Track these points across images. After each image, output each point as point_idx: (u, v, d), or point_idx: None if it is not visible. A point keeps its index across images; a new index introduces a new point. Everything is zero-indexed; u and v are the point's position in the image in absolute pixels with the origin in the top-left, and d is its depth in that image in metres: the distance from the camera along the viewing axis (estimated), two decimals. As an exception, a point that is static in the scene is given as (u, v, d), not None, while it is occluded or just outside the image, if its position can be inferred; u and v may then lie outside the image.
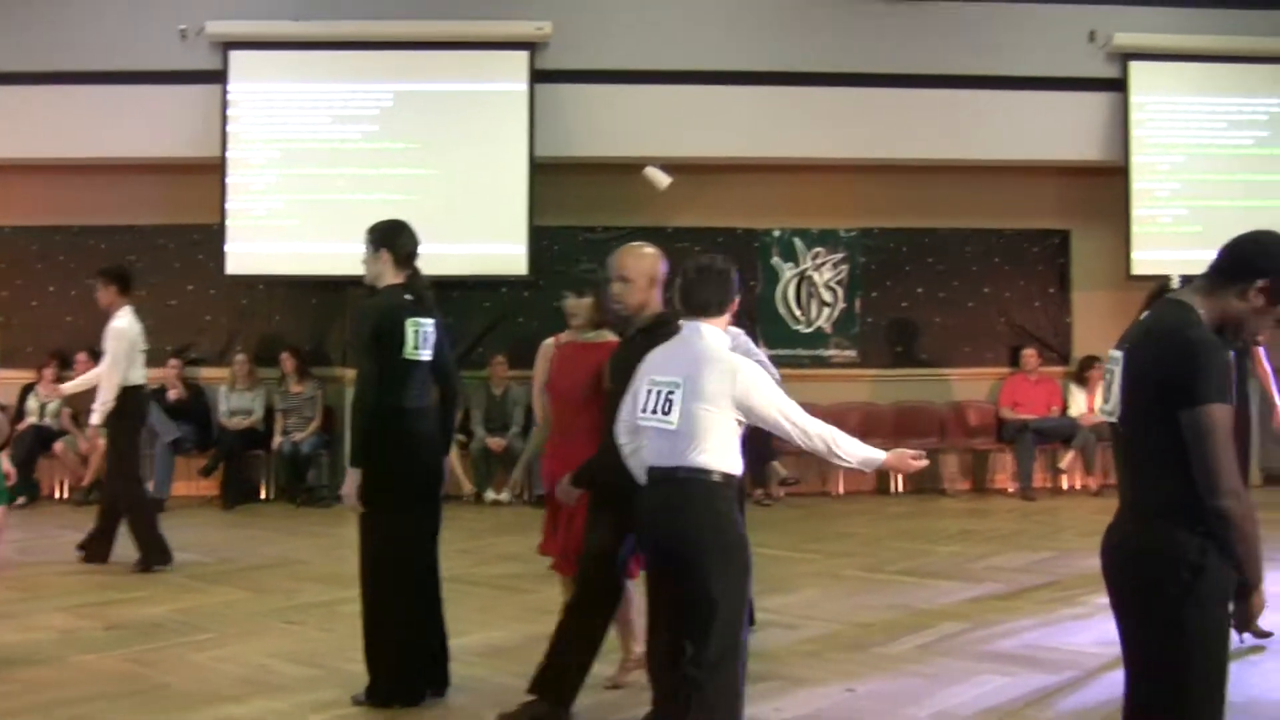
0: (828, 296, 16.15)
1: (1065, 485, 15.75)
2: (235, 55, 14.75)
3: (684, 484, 5.14)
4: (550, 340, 7.47)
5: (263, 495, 15.17)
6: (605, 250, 15.30)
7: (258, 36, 14.81)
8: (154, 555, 10.65)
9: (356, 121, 14.93)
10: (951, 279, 16.30)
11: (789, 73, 15.09)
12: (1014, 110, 15.26)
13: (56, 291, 15.43)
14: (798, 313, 16.11)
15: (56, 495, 14.95)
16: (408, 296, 6.75)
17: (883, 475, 15.74)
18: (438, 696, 6.72)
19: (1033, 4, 15.53)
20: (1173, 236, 15.49)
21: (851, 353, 16.20)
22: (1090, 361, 15.62)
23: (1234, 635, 4.12)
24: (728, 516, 5.15)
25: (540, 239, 15.09)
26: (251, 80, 14.84)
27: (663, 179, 14.81)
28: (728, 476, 5.19)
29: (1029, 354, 15.95)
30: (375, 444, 6.54)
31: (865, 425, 14.68)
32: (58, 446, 14.64)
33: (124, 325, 10.81)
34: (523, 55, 14.85)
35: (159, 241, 15.49)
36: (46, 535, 12.27)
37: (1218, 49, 15.55)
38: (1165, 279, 4.36)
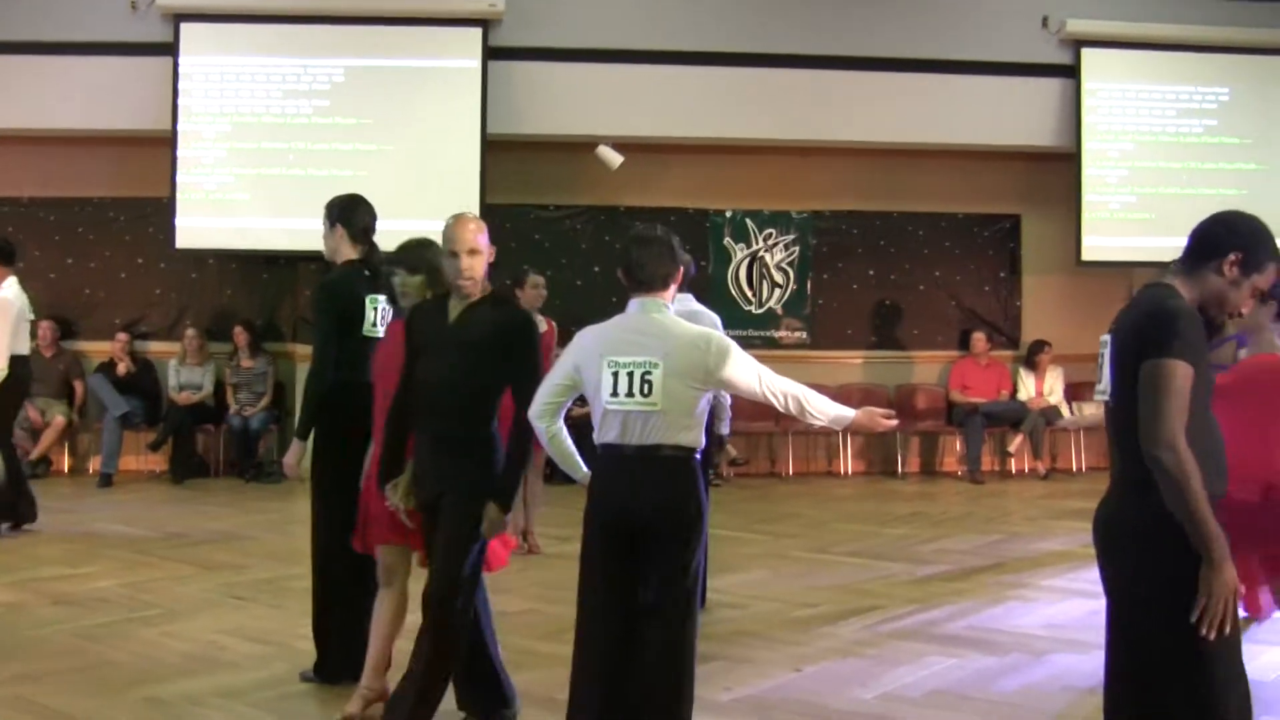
0: (779, 278, 16.19)
1: (1013, 469, 15.85)
2: (186, 27, 14.62)
3: (667, 461, 5.16)
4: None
5: (212, 471, 15.09)
6: (558, 229, 15.48)
7: (209, 9, 14.68)
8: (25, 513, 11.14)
9: (308, 96, 14.84)
10: (902, 262, 16.36)
11: (743, 54, 15.08)
12: (966, 95, 15.31)
13: (5, 264, 15.26)
14: (749, 293, 16.14)
15: None
16: (366, 272, 6.74)
17: (831, 457, 15.85)
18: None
19: (987, -12, 15.60)
20: (1122, 223, 15.61)
21: (802, 334, 16.24)
22: (1040, 346, 15.72)
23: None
24: (700, 491, 5.23)
25: (492, 217, 14.95)
26: (202, 53, 14.71)
27: (615, 158, 14.81)
28: (700, 452, 5.27)
29: (979, 338, 16.02)
30: (329, 419, 6.53)
31: (815, 407, 14.69)
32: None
33: (10, 296, 10.76)
34: (476, 32, 14.78)
35: (109, 214, 15.39)
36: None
37: (1170, 37, 15.65)
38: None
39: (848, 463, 15.83)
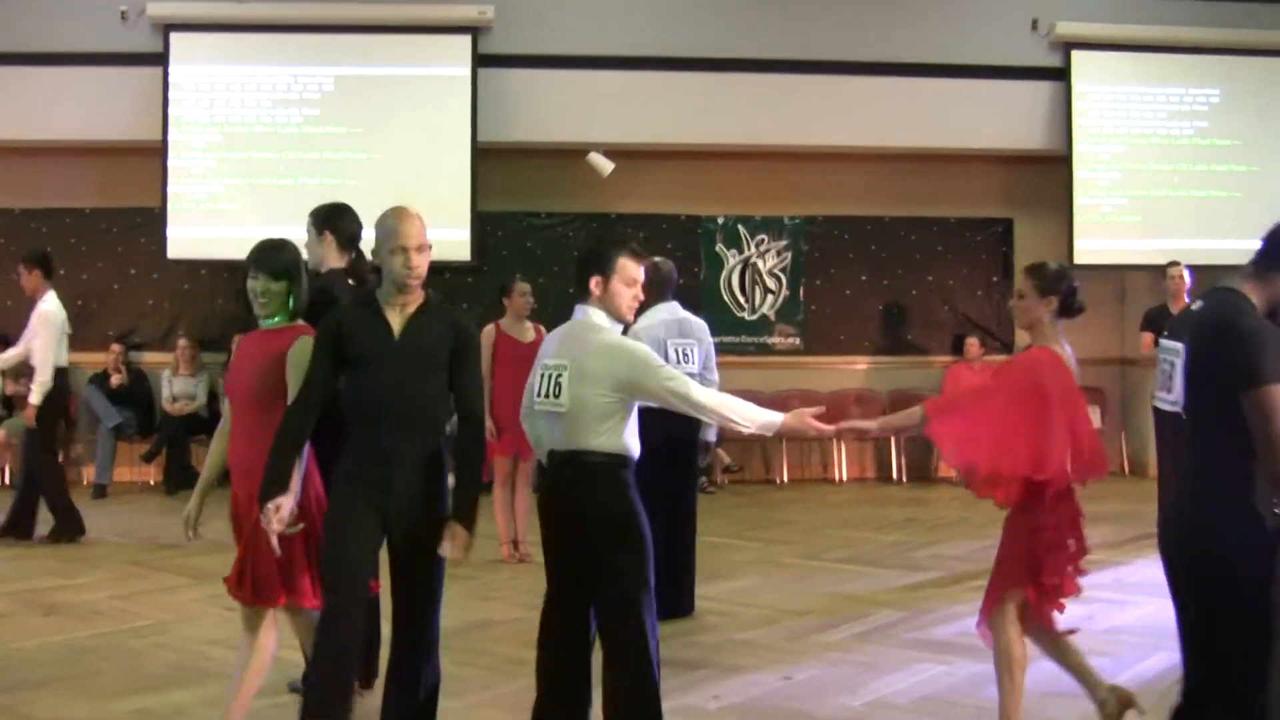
0: (771, 284, 16.18)
1: (1007, 473, 15.76)
2: (176, 37, 14.61)
3: (580, 466, 5.30)
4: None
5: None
6: (549, 236, 15.45)
7: (199, 18, 14.68)
8: (70, 526, 11.37)
9: (298, 105, 14.83)
10: (895, 267, 16.36)
11: (733, 59, 15.07)
12: (957, 98, 15.30)
13: (-3, 274, 15.28)
14: (741, 300, 16.13)
15: (-5, 481, 14.84)
16: (350, 281, 6.72)
17: (826, 463, 15.83)
18: (366, 688, 6.39)
19: (977, -8, 15.61)
20: (1114, 225, 15.58)
21: (795, 340, 16.23)
22: (1033, 350, 15.68)
23: None
24: (621, 493, 5.30)
25: (484, 224, 15.05)
26: (192, 63, 14.70)
27: (606, 165, 14.80)
28: (620, 458, 5.33)
29: (972, 343, 15.99)
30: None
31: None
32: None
33: (52, 309, 11.08)
34: (465, 39, 14.78)
35: (100, 225, 15.37)
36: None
37: (1160, 39, 15.64)
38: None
39: (843, 469, 15.82)
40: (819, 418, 5.51)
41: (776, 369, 15.83)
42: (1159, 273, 12.23)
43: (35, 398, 10.96)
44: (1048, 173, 15.84)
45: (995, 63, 15.40)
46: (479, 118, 14.70)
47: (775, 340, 16.19)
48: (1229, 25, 15.62)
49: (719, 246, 16.11)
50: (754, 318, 16.15)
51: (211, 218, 14.67)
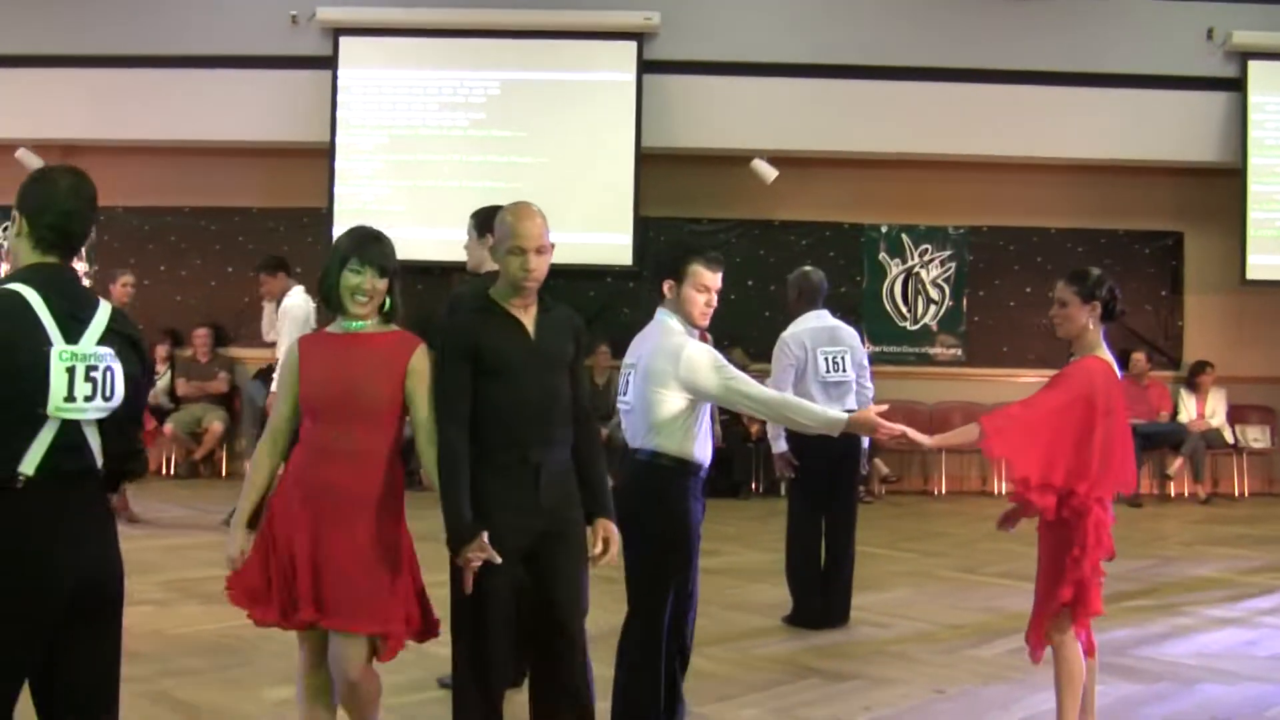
0: (934, 294, 16.01)
1: (1172, 492, 15.48)
2: (345, 41, 14.88)
3: (633, 462, 5.53)
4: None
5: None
6: (711, 243, 15.43)
7: (367, 23, 14.93)
8: None
9: (464, 109, 15.00)
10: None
11: (898, 67, 14.96)
12: (1128, 109, 15.03)
13: (167, 271, 15.62)
14: (904, 309, 15.98)
15: (163, 471, 15.17)
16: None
17: (985, 476, 15.61)
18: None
19: (1150, 0, 15.28)
20: (1289, 241, 15.23)
21: (957, 351, 16.05)
22: (1201, 366, 15.37)
23: None
24: (656, 492, 5.47)
25: (646, 230, 15.08)
26: (361, 66, 14.95)
27: (770, 172, 14.78)
28: (674, 459, 5.46)
29: (1138, 357, 15.64)
30: None
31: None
32: (167, 428, 14.69)
33: (296, 303, 11.23)
34: (631, 45, 14.85)
35: (268, 224, 15.66)
36: (151, 509, 12.40)
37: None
38: None
39: (1002, 482, 15.59)
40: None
41: (937, 379, 15.67)
42: None
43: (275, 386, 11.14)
44: (1220, 185, 15.47)
45: (1168, 73, 15.10)
46: (643, 123, 14.76)
47: (937, 351, 16.01)
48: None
49: (882, 255, 15.97)
50: (915, 328, 15.99)
51: (377, 219, 14.63)
